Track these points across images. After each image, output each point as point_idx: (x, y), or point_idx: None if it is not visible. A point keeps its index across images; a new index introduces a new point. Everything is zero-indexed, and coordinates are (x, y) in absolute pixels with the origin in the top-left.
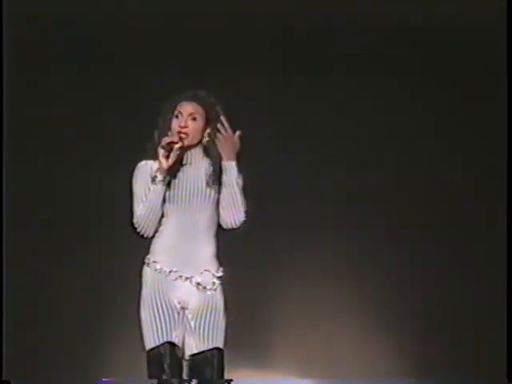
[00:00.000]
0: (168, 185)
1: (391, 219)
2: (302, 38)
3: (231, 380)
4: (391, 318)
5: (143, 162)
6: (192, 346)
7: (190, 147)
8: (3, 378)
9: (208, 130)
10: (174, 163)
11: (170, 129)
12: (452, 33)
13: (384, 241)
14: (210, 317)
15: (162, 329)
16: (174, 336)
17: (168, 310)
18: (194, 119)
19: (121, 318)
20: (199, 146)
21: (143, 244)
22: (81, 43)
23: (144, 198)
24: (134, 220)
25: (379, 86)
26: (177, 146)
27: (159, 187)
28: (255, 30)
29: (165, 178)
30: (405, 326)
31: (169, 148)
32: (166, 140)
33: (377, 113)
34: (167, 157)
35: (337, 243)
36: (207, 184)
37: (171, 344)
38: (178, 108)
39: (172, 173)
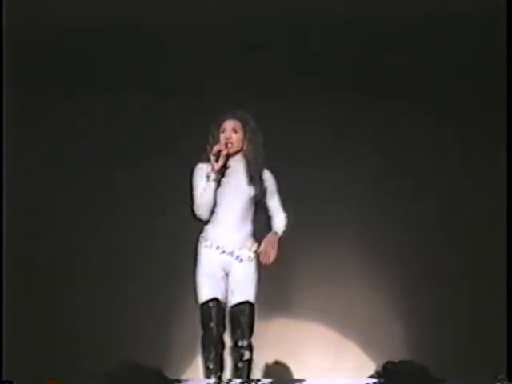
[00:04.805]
0: (218, 182)
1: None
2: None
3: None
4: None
5: (200, 165)
6: (232, 301)
7: (234, 154)
8: (4, 379)
9: (246, 140)
10: (222, 166)
11: (218, 141)
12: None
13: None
14: (245, 281)
15: (210, 289)
16: (219, 294)
17: (215, 277)
18: (236, 132)
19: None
20: (240, 153)
21: None
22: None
23: (202, 191)
24: (194, 207)
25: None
26: (223, 152)
27: (212, 184)
28: None
29: (216, 177)
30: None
31: (218, 154)
32: (215, 148)
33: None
34: (217, 161)
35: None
36: (247, 183)
37: (217, 300)
38: (223, 125)
39: (220, 173)
